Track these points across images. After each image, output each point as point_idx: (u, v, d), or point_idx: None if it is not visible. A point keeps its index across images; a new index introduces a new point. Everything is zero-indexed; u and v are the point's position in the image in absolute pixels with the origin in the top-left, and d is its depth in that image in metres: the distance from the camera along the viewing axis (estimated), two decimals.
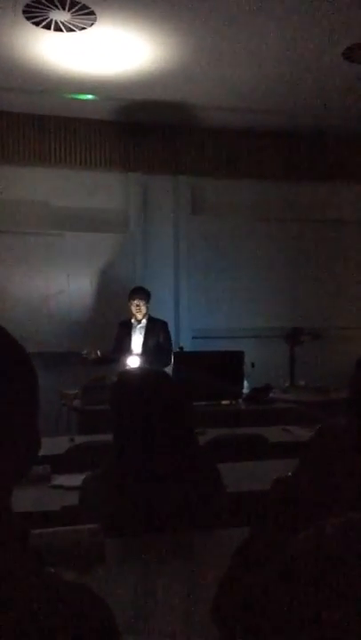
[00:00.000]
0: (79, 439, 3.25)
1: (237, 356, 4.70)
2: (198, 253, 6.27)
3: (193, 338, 6.14)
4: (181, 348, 5.14)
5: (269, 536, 0.86)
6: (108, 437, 1.82)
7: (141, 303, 5.05)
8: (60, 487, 2.37)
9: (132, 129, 6.05)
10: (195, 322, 6.22)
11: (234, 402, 4.60)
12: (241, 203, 6.45)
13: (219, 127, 6.22)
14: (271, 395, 4.79)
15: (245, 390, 4.73)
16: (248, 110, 5.82)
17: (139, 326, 5.10)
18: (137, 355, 4.97)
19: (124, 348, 5.01)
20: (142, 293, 5.09)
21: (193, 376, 4.33)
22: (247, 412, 4.46)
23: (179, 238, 6.26)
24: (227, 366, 4.66)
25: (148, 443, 1.72)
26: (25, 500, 2.13)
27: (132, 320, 5.09)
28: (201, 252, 6.28)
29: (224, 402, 4.58)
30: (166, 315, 6.11)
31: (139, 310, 5.05)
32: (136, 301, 5.04)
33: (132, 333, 5.09)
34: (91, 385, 4.60)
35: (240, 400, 4.64)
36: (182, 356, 4.84)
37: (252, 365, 4.87)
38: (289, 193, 6.52)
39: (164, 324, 5.18)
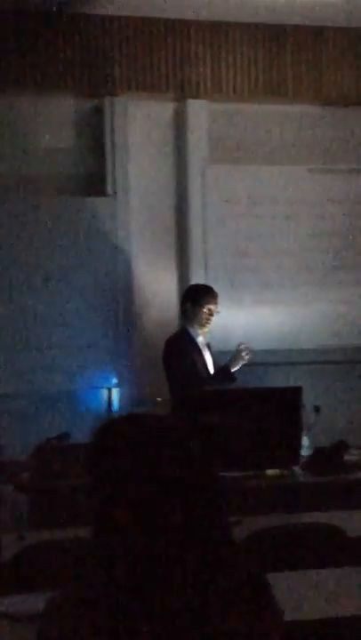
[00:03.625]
0: (33, 536, 3.25)
1: (291, 396, 4.72)
2: (220, 222, 6.39)
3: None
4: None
5: None
6: (82, 531, 1.83)
7: (215, 311, 5.54)
8: (6, 617, 2.37)
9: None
10: (217, 335, 6.13)
11: (287, 471, 4.62)
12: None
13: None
14: (348, 458, 4.81)
15: (305, 452, 4.77)
16: None
17: (204, 343, 5.62)
18: None
19: (203, 378, 5.44)
20: (217, 298, 5.58)
21: (220, 430, 4.39)
22: (309, 488, 4.51)
23: (188, 197, 6.39)
24: (274, 412, 4.66)
25: (153, 542, 1.71)
26: None
27: (200, 336, 5.57)
28: (224, 220, 6.39)
29: (271, 471, 4.59)
30: (169, 322, 6.15)
31: (209, 321, 5.55)
32: (212, 306, 5.53)
33: (204, 355, 5.58)
34: (48, 447, 4.61)
35: (297, 468, 4.67)
36: (201, 397, 4.87)
37: (316, 410, 4.92)
38: None
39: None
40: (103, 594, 1.74)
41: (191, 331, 5.56)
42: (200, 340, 5.58)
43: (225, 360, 5.49)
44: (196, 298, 5.59)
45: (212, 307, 5.53)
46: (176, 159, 6.47)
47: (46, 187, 6.28)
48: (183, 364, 5.43)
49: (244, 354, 5.42)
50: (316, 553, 3.06)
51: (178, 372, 5.46)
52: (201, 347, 5.57)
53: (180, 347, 5.50)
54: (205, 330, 5.58)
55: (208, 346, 5.64)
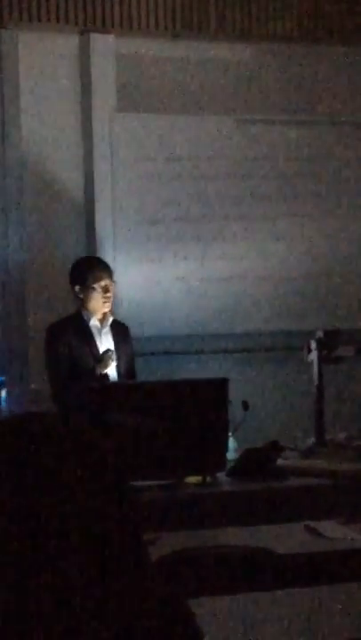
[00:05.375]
0: None
1: (216, 389, 4.75)
2: (131, 183, 6.40)
3: None
4: (104, 376, 5.27)
5: None
6: None
7: (111, 285, 5.50)
8: None
9: None
10: (129, 319, 6.15)
11: (210, 478, 4.65)
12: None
13: None
14: (281, 462, 4.88)
15: (231, 455, 4.81)
16: None
17: (103, 330, 5.55)
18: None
19: (87, 372, 5.36)
20: (109, 268, 5.57)
21: (131, 430, 4.41)
22: (235, 498, 4.54)
23: (92, 152, 6.40)
24: (195, 409, 4.67)
25: (48, 566, 1.60)
26: None
27: (92, 319, 5.51)
28: (135, 180, 6.40)
29: (191, 478, 4.62)
30: (68, 306, 6.06)
31: (107, 299, 5.48)
32: (103, 282, 5.45)
33: (97, 343, 5.51)
34: None
35: (221, 474, 4.70)
36: (108, 391, 4.88)
37: (245, 407, 4.97)
38: None
39: (127, 329, 5.77)
40: None
41: (84, 314, 5.51)
42: (94, 323, 5.53)
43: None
44: (82, 277, 5.52)
45: (105, 282, 5.45)
46: (78, 106, 6.45)
47: None
48: (53, 354, 5.44)
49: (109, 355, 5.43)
50: (243, 573, 3.07)
51: (46, 364, 5.52)
52: (95, 332, 5.52)
53: (55, 334, 5.48)
54: (104, 310, 5.53)
55: (122, 333, 5.64)
